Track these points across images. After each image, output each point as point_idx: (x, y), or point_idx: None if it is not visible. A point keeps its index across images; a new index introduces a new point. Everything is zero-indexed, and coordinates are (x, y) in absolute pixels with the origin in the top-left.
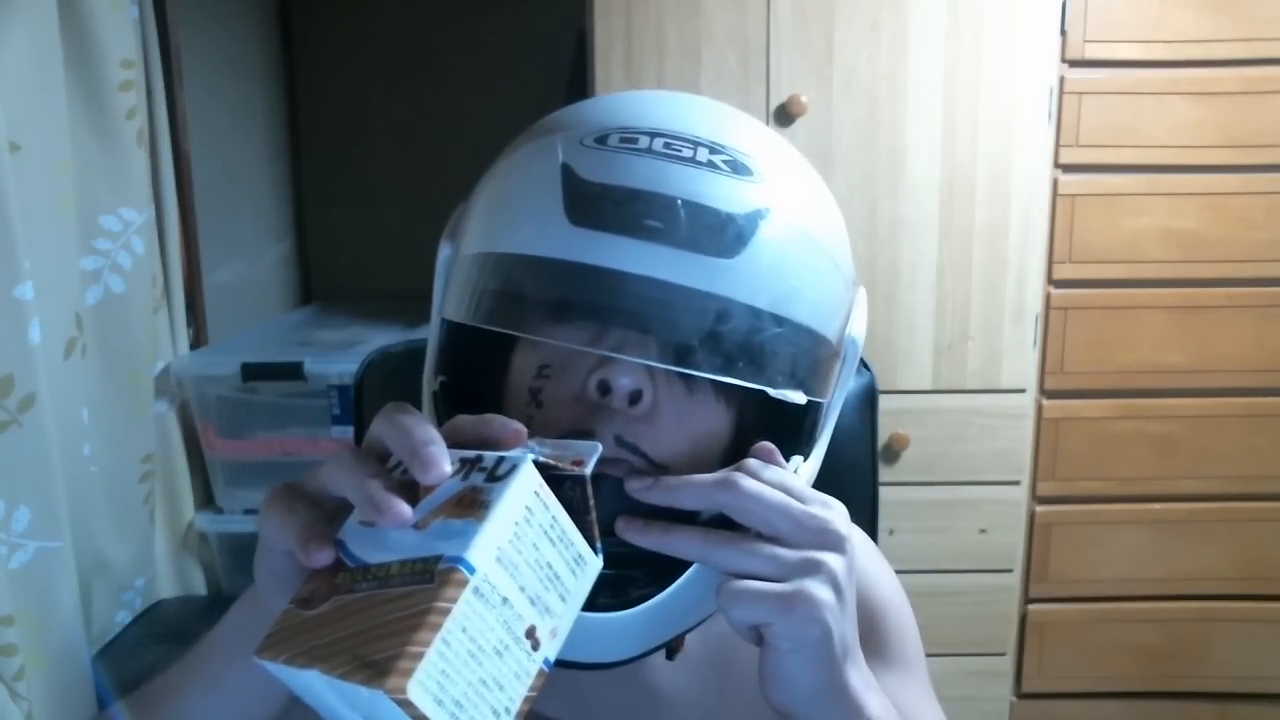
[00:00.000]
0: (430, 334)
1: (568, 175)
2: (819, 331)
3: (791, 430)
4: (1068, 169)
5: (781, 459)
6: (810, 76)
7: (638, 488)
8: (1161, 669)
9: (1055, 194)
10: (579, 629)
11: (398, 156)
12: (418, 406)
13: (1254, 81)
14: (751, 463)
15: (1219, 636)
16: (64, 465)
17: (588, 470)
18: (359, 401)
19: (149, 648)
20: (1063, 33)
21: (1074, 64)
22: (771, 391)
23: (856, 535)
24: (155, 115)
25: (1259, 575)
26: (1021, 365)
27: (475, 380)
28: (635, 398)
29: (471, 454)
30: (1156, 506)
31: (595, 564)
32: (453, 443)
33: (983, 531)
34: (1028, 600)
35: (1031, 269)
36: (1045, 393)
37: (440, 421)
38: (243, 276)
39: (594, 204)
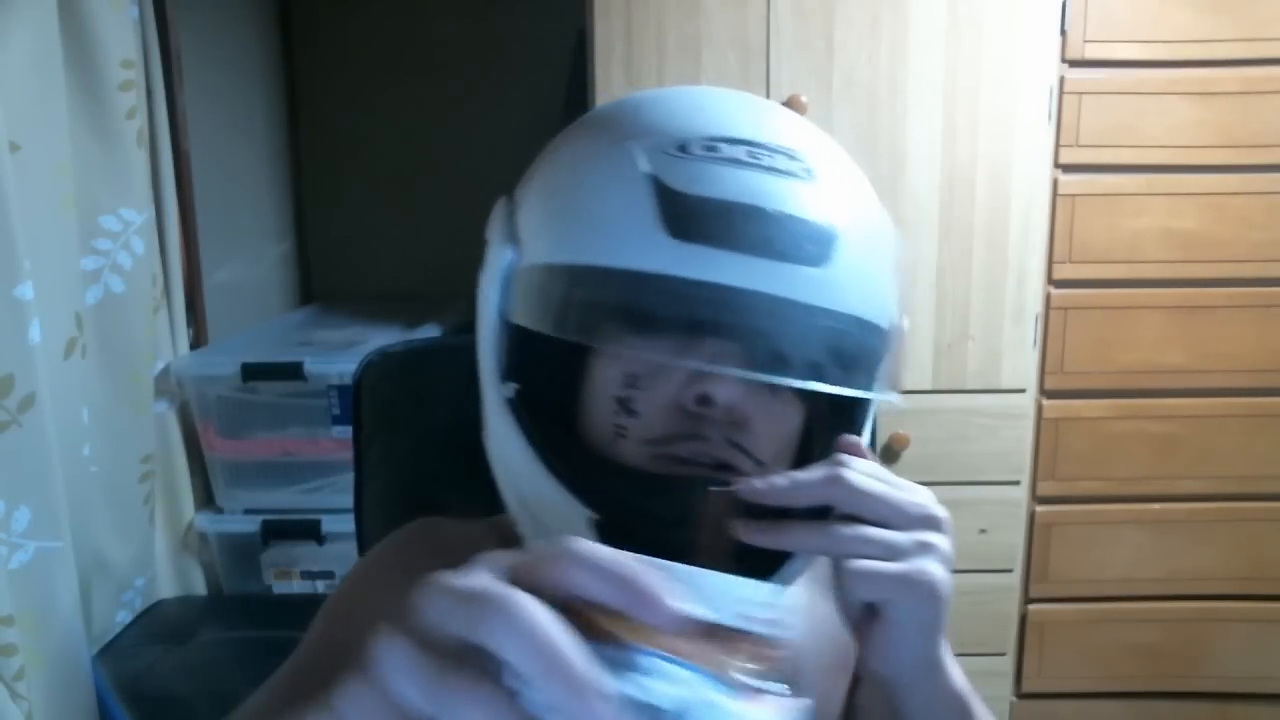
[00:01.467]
0: (488, 338)
1: (659, 187)
2: (891, 328)
3: (846, 414)
4: (1068, 169)
5: (867, 450)
6: (810, 76)
7: (751, 490)
8: (1161, 669)
9: (1055, 194)
10: None
11: (398, 156)
12: (421, 406)
13: (1254, 81)
14: (847, 457)
15: (1219, 636)
16: (64, 465)
17: None
18: (358, 402)
19: (149, 648)
20: (1063, 33)
21: (1074, 64)
22: (877, 397)
23: None
24: (155, 115)
25: (1259, 575)
26: (1021, 365)
27: (543, 384)
28: (731, 409)
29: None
30: (1156, 506)
31: None
32: (583, 618)
33: (983, 531)
34: (1028, 600)
35: (1031, 269)
36: (1045, 393)
37: (527, 432)
38: (243, 276)
39: (694, 218)
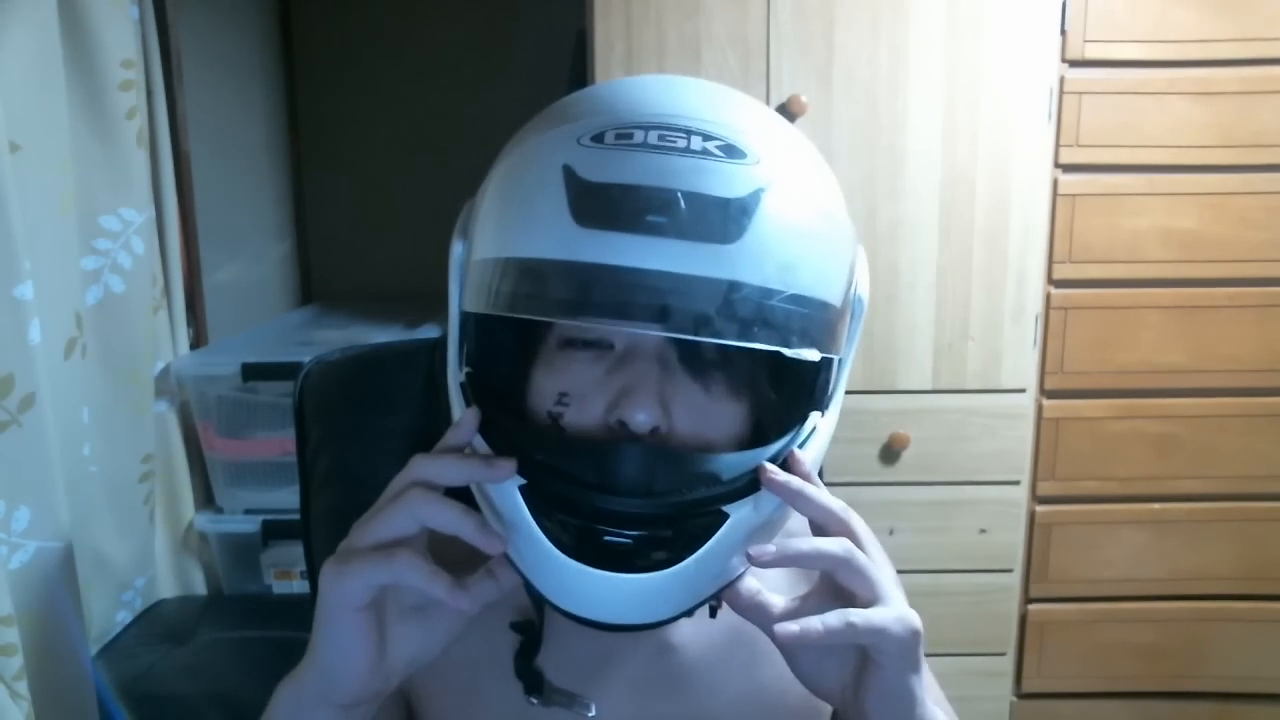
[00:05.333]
0: (450, 329)
1: (569, 176)
2: (825, 299)
3: (805, 397)
4: (1068, 169)
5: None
6: (810, 76)
7: (758, 556)
8: (1161, 669)
9: (1055, 194)
10: (623, 592)
11: (398, 156)
12: (370, 414)
13: (1254, 81)
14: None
15: (1219, 636)
16: (64, 465)
17: None
18: (300, 415)
19: (149, 648)
20: (1063, 33)
21: (1074, 64)
22: (787, 351)
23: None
24: (155, 115)
25: (1259, 575)
26: (1021, 365)
27: (497, 372)
28: (653, 429)
29: None
30: (1156, 506)
31: None
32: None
33: (983, 531)
34: (1028, 600)
35: (1031, 269)
36: (1045, 393)
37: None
38: (243, 276)
39: (597, 204)
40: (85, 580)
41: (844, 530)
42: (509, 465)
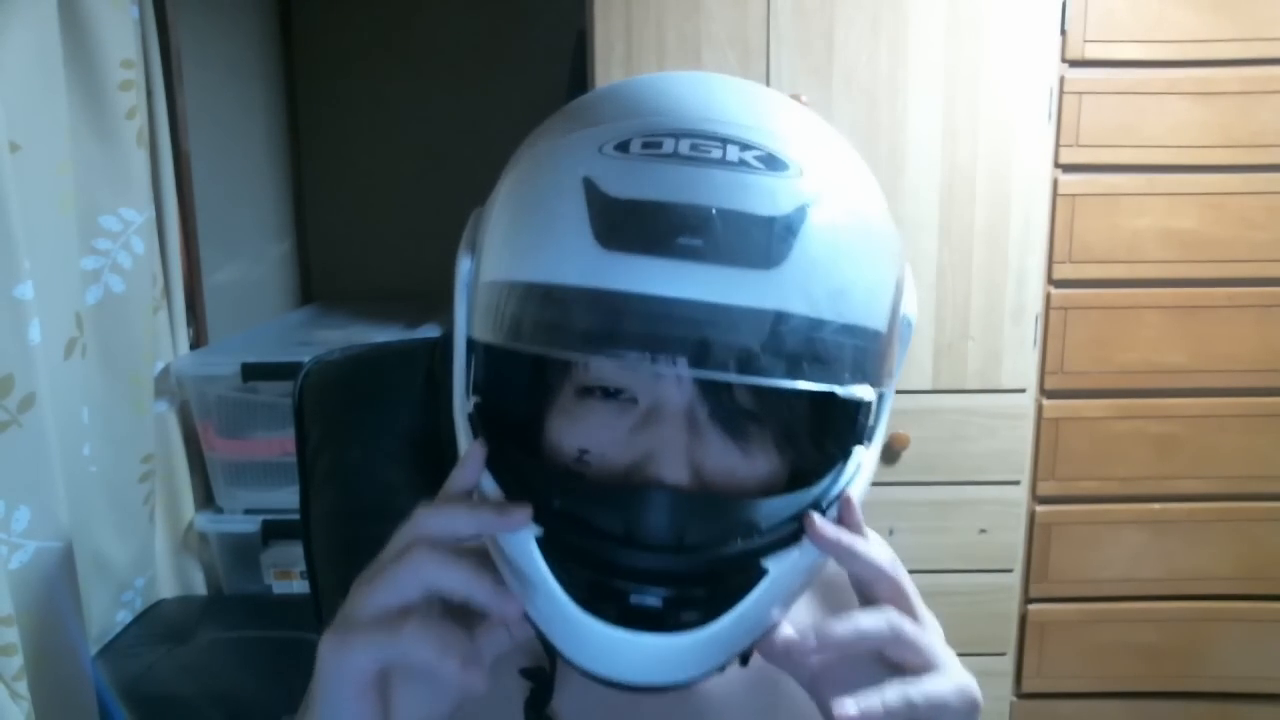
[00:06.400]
0: (456, 354)
1: (590, 191)
2: (873, 326)
3: (847, 431)
4: (1068, 169)
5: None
6: (810, 76)
7: (823, 633)
8: (1161, 669)
9: (1055, 194)
10: (650, 653)
11: (398, 156)
12: (370, 414)
13: (1254, 81)
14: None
15: (1219, 636)
16: (64, 465)
17: None
18: (300, 415)
19: (149, 648)
20: (1063, 33)
21: (1074, 64)
22: (840, 391)
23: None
24: (155, 115)
25: (1259, 575)
26: (1021, 365)
27: (508, 407)
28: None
29: None
30: (1156, 506)
31: None
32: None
33: (983, 531)
34: (1028, 600)
35: (1031, 269)
36: (1045, 392)
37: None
38: (243, 276)
39: (623, 223)
40: (85, 580)
41: (893, 592)
42: (524, 513)
